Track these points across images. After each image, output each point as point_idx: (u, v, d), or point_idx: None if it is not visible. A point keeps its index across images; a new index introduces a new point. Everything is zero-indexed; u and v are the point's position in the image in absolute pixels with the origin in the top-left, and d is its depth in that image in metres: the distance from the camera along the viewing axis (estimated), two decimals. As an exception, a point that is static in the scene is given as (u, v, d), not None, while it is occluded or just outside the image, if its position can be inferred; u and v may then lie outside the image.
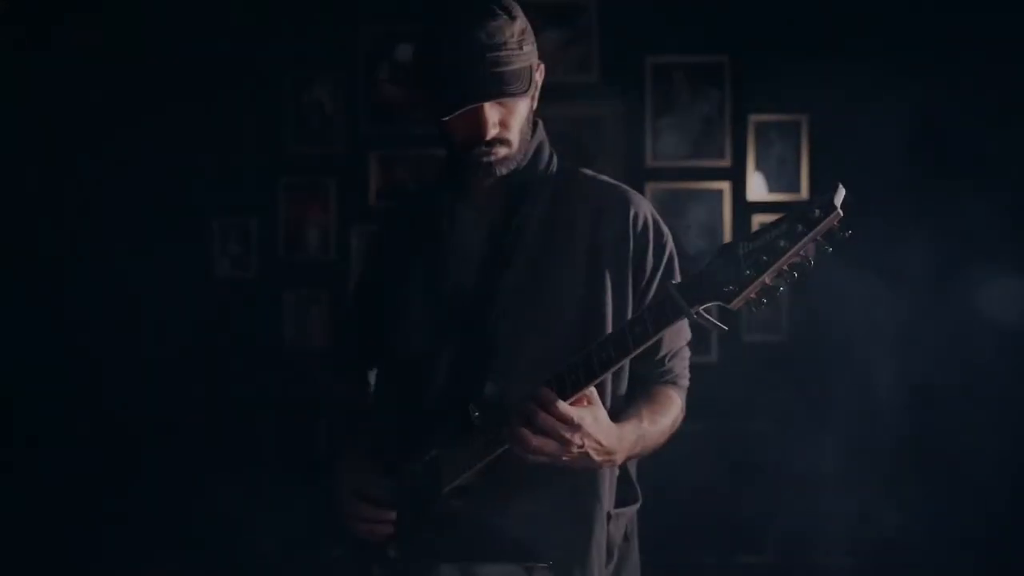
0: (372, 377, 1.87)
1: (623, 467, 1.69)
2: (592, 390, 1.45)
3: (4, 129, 3.73)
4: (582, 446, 1.43)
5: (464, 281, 1.64)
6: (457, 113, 1.52)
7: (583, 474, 1.60)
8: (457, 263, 1.65)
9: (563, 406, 1.41)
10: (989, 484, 3.40)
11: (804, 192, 3.70)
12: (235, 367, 3.72)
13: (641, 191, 3.58)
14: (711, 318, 1.32)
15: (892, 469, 3.43)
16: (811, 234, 1.20)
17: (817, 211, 1.20)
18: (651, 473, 1.76)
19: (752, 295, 1.26)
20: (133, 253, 3.72)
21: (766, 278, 1.24)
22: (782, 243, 1.22)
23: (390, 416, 1.71)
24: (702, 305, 1.30)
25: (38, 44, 3.74)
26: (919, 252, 3.26)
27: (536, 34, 1.64)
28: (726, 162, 3.72)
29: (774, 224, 1.24)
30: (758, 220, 3.68)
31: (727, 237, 3.68)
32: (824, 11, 3.58)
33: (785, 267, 1.23)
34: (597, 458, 1.48)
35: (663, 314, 1.34)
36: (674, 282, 1.34)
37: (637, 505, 1.70)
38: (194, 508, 3.55)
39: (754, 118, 3.71)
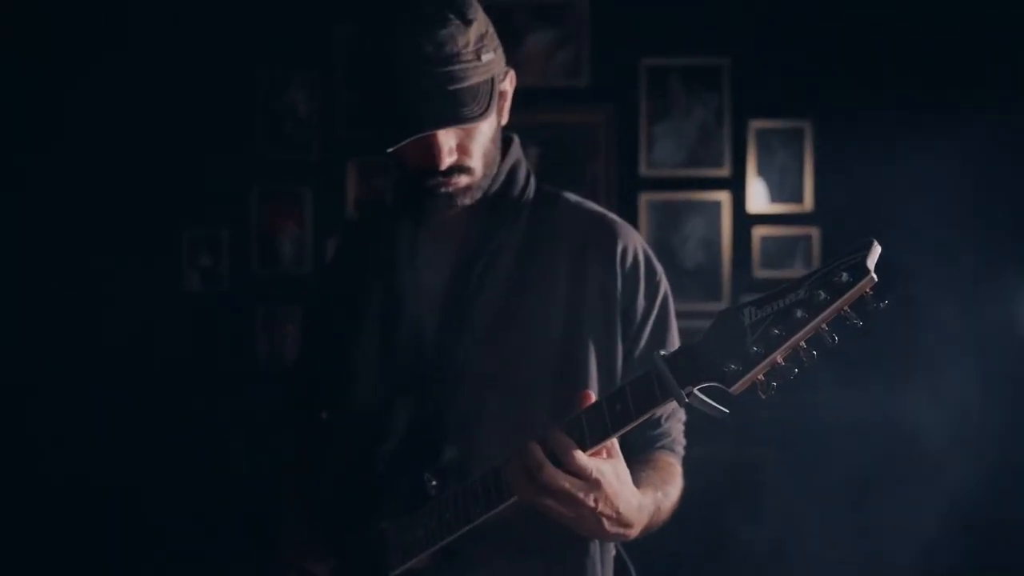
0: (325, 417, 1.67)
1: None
2: (613, 442, 1.19)
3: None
4: (595, 509, 1.17)
5: (424, 325, 1.42)
6: (401, 144, 1.29)
7: (567, 555, 1.38)
8: (416, 303, 1.43)
9: (581, 458, 1.14)
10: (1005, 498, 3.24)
11: (808, 203, 3.51)
12: (206, 385, 3.57)
13: (635, 202, 3.52)
14: (708, 400, 1.07)
15: (899, 493, 3.24)
16: (836, 304, 0.95)
17: (844, 275, 0.95)
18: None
19: (759, 376, 1.01)
20: (98, 266, 3.58)
21: (777, 356, 0.99)
22: (799, 314, 0.97)
23: (339, 473, 1.49)
24: (697, 386, 1.06)
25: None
26: (935, 266, 3.08)
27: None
28: (725, 171, 3.54)
29: (788, 288, 0.99)
30: (759, 232, 3.53)
31: (726, 250, 3.52)
32: (828, 10, 3.40)
33: (802, 343, 0.99)
34: (610, 529, 1.21)
35: (648, 395, 1.11)
36: (663, 354, 1.10)
37: None
38: (164, 527, 3.44)
39: (754, 124, 3.54)
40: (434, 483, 1.34)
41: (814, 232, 3.49)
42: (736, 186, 3.54)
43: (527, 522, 1.33)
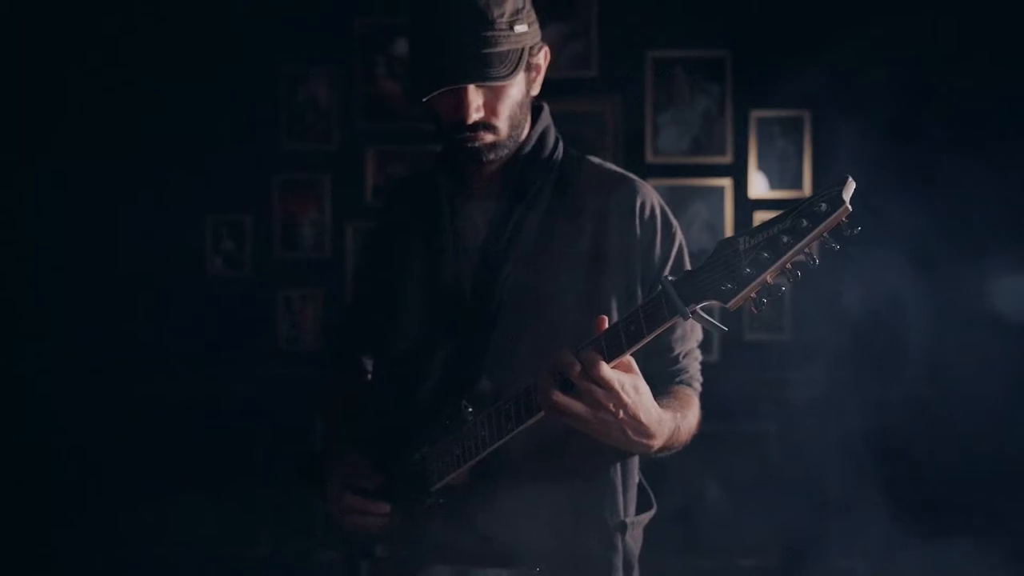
0: (370, 365, 1.83)
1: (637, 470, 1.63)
2: (630, 359, 1.33)
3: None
4: (617, 415, 1.31)
5: (462, 274, 1.59)
6: (433, 95, 1.47)
7: (590, 478, 1.54)
8: (455, 255, 1.60)
9: (605, 369, 1.28)
10: (992, 479, 3.35)
11: (807, 189, 3.65)
12: (228, 367, 3.67)
13: (641, 188, 3.62)
14: (710, 318, 1.24)
15: (899, 470, 3.35)
16: (816, 230, 1.11)
17: (823, 205, 1.11)
18: (648, 472, 1.69)
19: (752, 294, 1.17)
20: (124, 250, 3.68)
21: (767, 276, 1.15)
22: (785, 239, 1.13)
23: (384, 409, 1.66)
24: (699, 304, 1.22)
25: (28, 38, 3.69)
26: (927, 248, 3.17)
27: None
28: (727, 158, 3.67)
29: (777, 219, 1.16)
30: (760, 217, 3.63)
31: (728, 234, 3.61)
32: (826, 3, 3.53)
33: (788, 265, 1.15)
34: (633, 437, 1.35)
35: (658, 312, 1.25)
36: (670, 278, 1.26)
37: (652, 512, 1.64)
38: (186, 508, 3.48)
39: (756, 114, 3.66)
40: (470, 409, 1.50)
41: (812, 217, 3.60)
42: (738, 173, 3.66)
43: (554, 449, 1.50)
